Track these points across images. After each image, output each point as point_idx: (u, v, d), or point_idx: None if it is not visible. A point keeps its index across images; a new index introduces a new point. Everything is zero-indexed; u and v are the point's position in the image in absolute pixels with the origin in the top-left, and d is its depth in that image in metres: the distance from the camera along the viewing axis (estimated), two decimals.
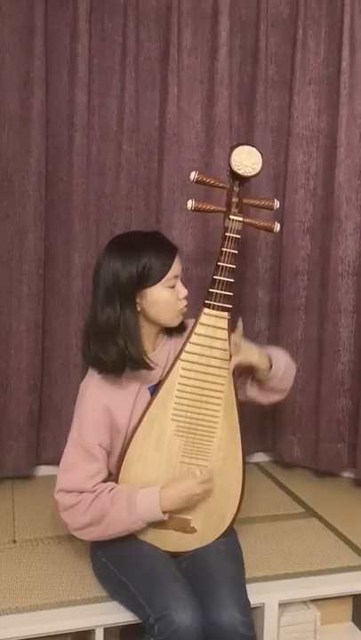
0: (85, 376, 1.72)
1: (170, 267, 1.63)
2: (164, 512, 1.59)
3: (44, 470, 2.42)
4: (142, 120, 2.33)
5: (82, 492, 1.60)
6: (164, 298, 1.64)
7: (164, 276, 1.63)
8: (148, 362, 1.64)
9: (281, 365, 1.74)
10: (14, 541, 1.95)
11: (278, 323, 2.48)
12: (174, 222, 2.33)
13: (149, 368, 1.65)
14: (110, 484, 1.63)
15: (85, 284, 2.31)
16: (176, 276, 1.66)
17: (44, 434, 2.39)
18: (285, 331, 2.46)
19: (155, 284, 1.62)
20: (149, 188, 2.36)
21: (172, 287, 1.65)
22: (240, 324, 1.71)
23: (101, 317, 1.61)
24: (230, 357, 1.68)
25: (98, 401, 1.65)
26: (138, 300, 1.63)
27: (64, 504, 1.62)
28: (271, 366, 1.72)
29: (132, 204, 2.35)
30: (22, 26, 2.18)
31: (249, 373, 1.77)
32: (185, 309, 1.70)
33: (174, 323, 1.70)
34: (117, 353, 1.60)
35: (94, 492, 1.60)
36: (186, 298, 1.69)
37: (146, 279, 1.61)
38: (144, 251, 1.61)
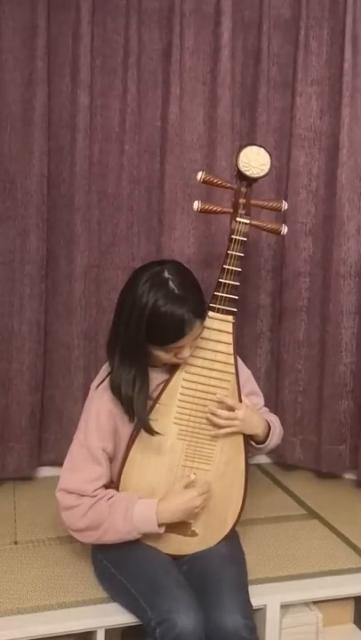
0: (98, 375, 1.71)
1: (177, 340, 1.56)
2: (160, 525, 1.58)
3: (45, 472, 2.41)
4: (144, 121, 2.33)
5: (82, 496, 1.60)
6: (160, 355, 1.62)
7: (167, 345, 1.57)
8: (149, 425, 1.63)
9: (271, 444, 1.78)
10: (16, 542, 1.95)
11: (280, 324, 2.48)
12: (176, 224, 2.33)
13: (148, 431, 1.63)
14: (110, 492, 1.62)
15: (87, 285, 2.31)
16: (181, 347, 1.59)
17: (46, 435, 2.39)
18: (287, 332, 2.45)
19: (155, 345, 1.59)
20: (151, 189, 2.36)
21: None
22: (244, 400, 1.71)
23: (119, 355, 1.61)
24: (234, 357, 1.68)
25: (105, 404, 1.64)
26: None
27: (64, 504, 1.62)
28: (264, 441, 1.75)
29: (134, 205, 2.34)
30: (25, 27, 2.18)
31: None
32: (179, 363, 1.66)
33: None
34: (126, 400, 1.61)
35: (94, 497, 1.59)
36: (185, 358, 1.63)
37: (148, 338, 1.57)
38: (162, 312, 1.53)
